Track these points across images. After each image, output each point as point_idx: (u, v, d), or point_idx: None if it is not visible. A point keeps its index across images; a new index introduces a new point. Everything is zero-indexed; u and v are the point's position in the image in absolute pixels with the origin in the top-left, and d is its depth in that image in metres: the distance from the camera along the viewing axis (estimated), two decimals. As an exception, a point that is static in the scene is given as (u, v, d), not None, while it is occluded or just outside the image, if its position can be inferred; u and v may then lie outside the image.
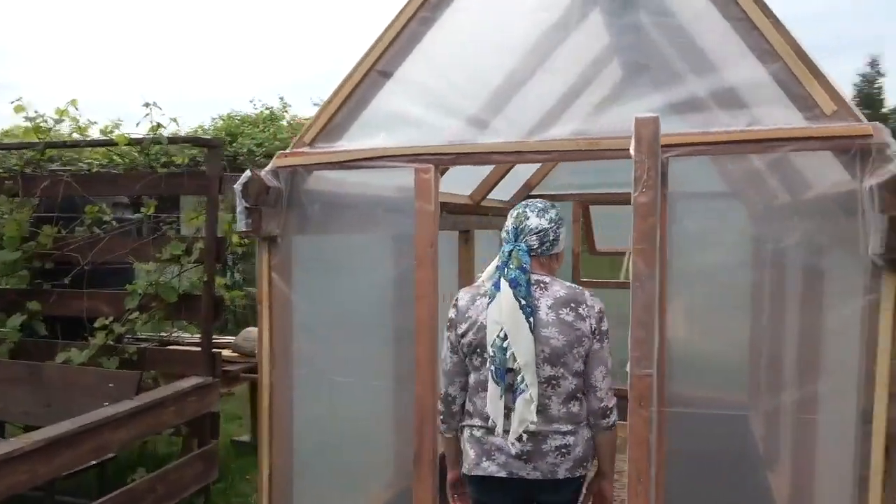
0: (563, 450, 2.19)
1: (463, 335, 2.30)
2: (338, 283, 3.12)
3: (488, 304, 2.20)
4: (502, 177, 5.16)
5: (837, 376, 2.26)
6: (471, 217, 5.24)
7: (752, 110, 2.29)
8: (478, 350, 2.27)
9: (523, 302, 2.12)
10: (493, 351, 2.14)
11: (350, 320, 3.16)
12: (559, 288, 2.26)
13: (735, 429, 3.15)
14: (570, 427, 2.20)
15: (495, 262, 2.29)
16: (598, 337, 2.21)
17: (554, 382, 2.19)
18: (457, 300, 2.39)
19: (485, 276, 2.31)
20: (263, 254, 2.87)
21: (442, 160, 2.58)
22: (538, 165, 6.21)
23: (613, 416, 2.23)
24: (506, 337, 2.11)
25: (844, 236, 2.23)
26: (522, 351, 2.10)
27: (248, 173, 2.77)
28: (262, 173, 2.79)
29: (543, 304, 2.20)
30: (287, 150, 2.87)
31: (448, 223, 4.71)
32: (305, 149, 2.82)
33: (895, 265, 2.07)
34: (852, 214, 2.15)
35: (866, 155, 2.09)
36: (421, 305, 2.63)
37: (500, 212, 6.08)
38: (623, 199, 5.92)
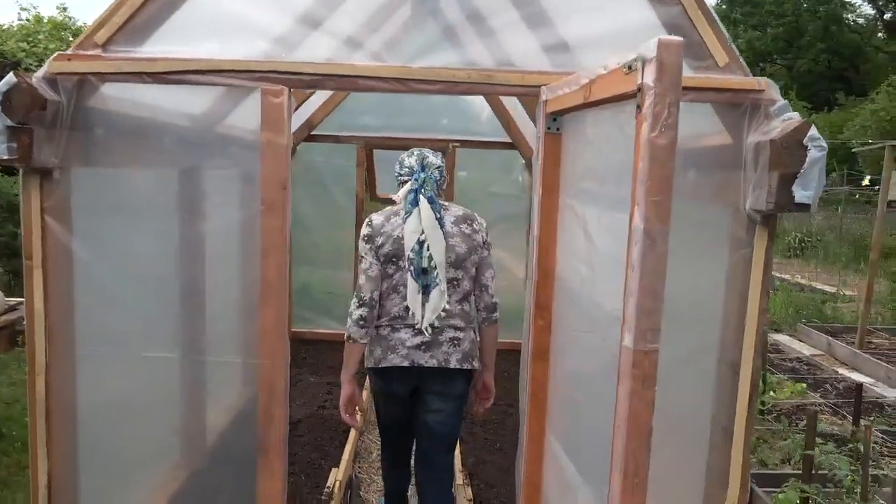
0: (454, 342, 2.63)
1: (381, 247, 2.63)
2: (136, 233, 2.43)
3: (405, 219, 2.60)
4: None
5: (707, 328, 2.29)
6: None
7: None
8: (393, 259, 2.63)
9: (437, 215, 2.58)
10: (412, 255, 2.56)
11: (149, 280, 2.51)
12: (456, 209, 2.76)
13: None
14: (461, 324, 2.67)
15: (408, 187, 2.68)
16: (486, 246, 2.74)
17: (455, 283, 2.65)
18: (371, 220, 2.73)
19: (400, 196, 2.71)
20: (33, 191, 2.10)
21: (300, 81, 2.07)
22: (321, 103, 5.73)
23: (498, 311, 2.76)
24: (422, 243, 2.55)
25: (721, 191, 2.24)
26: (437, 253, 2.56)
27: (11, 78, 1.97)
28: (35, 80, 2.01)
29: (447, 220, 2.66)
30: (69, 52, 2.10)
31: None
32: (98, 51, 2.09)
33: (769, 221, 2.13)
34: (732, 169, 2.16)
35: (755, 110, 2.09)
36: (269, 261, 2.14)
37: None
38: (408, 145, 5.71)
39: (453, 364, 2.60)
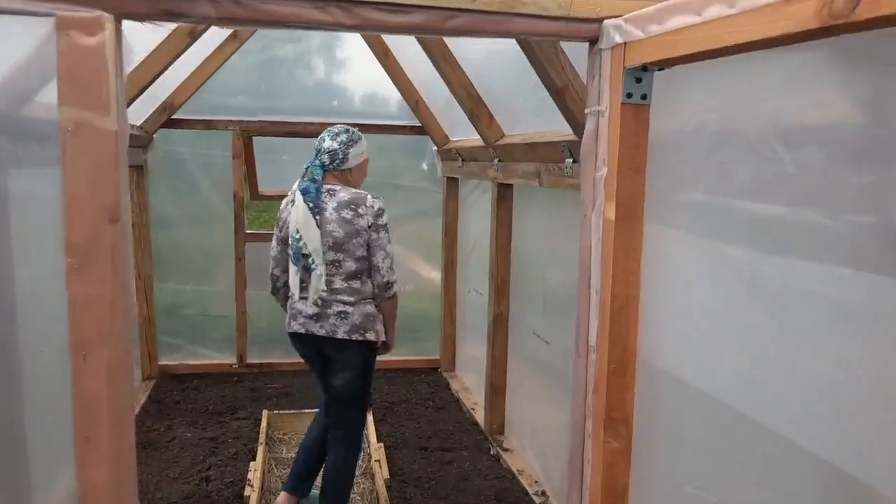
0: (342, 315, 2.82)
1: (280, 230, 2.95)
2: None
3: (291, 207, 2.85)
4: (141, 91, 3.44)
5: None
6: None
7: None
8: (287, 241, 2.89)
9: (311, 205, 2.76)
10: (292, 242, 2.81)
11: None
12: (345, 194, 2.82)
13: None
14: (350, 299, 2.83)
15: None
16: (373, 229, 2.80)
17: (337, 264, 2.80)
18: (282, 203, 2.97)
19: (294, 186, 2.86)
20: None
21: (139, 6, 1.05)
22: (182, 79, 4.54)
23: (394, 288, 2.89)
24: (298, 231, 2.77)
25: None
26: (311, 241, 2.76)
27: None
28: None
29: (329, 206, 2.79)
30: None
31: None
32: None
33: None
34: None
35: None
36: (91, 374, 1.12)
37: (134, 140, 4.27)
38: (296, 131, 4.66)
39: (340, 335, 2.81)
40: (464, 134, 4.40)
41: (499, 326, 3.86)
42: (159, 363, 4.97)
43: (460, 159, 4.48)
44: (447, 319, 5.14)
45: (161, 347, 4.99)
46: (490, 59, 3.50)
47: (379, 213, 2.81)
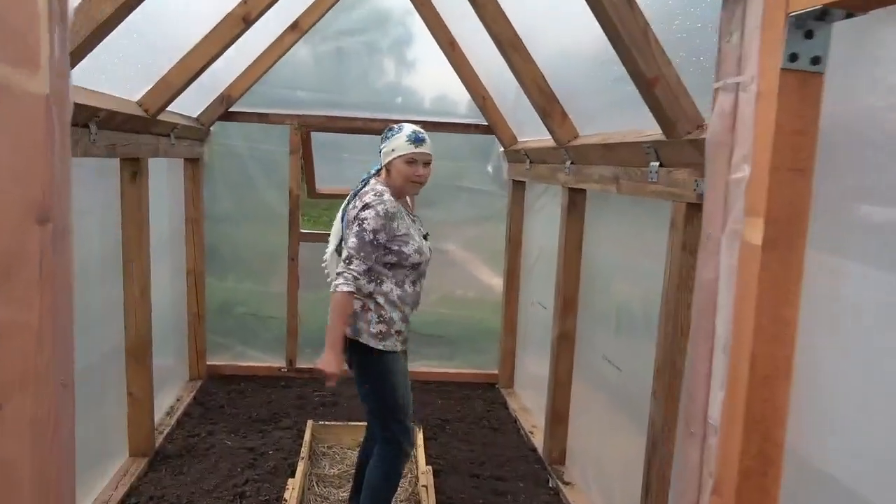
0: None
1: None
2: None
3: None
4: (192, 79, 3.25)
5: None
6: (141, 137, 3.26)
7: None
8: None
9: (346, 202, 2.76)
10: None
11: None
12: (367, 189, 2.69)
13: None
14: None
15: None
16: (354, 219, 2.62)
17: (339, 250, 2.76)
18: None
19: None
20: None
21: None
22: (238, 73, 4.37)
23: (336, 283, 2.55)
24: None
25: None
26: (333, 236, 2.81)
27: None
28: None
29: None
30: None
31: (100, 145, 2.73)
32: None
33: None
34: None
35: None
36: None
37: (191, 133, 4.11)
38: (356, 127, 4.40)
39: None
40: (533, 134, 4.06)
41: (563, 345, 3.50)
42: (207, 363, 4.81)
43: (528, 161, 4.14)
44: (507, 332, 4.80)
45: (210, 347, 4.83)
46: (564, 53, 3.15)
47: (364, 207, 2.59)
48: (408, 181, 2.67)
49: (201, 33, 3.17)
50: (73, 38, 2.06)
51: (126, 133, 3.02)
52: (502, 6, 3.10)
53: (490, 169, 5.02)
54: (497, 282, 4.97)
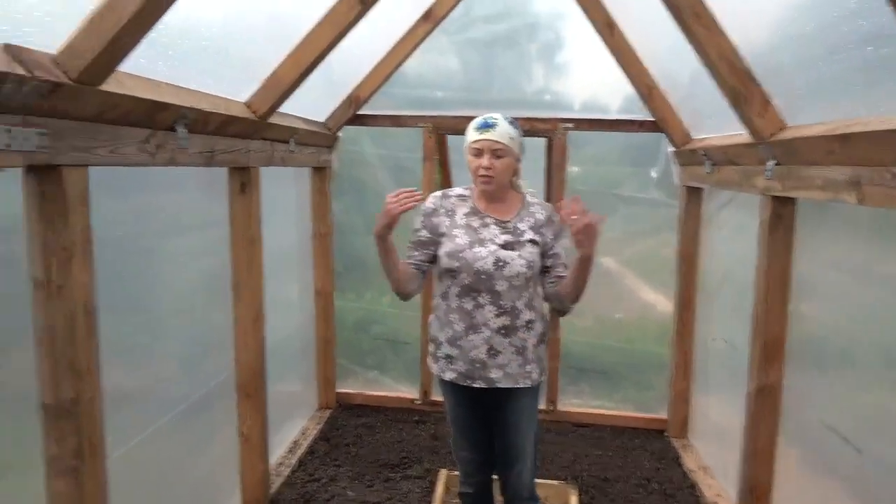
0: None
1: None
2: None
3: None
4: (304, 74, 2.78)
5: None
6: (250, 143, 2.84)
7: None
8: None
9: None
10: None
11: None
12: None
13: None
14: None
15: None
16: None
17: None
18: None
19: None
20: None
21: None
22: (366, 72, 3.91)
23: None
24: None
25: None
26: None
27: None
28: None
29: None
30: None
31: (200, 154, 2.30)
32: None
33: None
34: None
35: None
36: None
37: (312, 138, 3.69)
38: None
39: None
40: (714, 129, 3.25)
41: (765, 403, 2.67)
42: (336, 391, 4.40)
43: (709, 163, 3.31)
44: (679, 370, 3.97)
45: (340, 372, 4.42)
46: (762, 18, 2.34)
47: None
48: (475, 176, 2.29)
49: (313, 18, 2.69)
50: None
51: (229, 138, 2.60)
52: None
53: (654, 173, 4.22)
54: (659, 299, 4.15)
